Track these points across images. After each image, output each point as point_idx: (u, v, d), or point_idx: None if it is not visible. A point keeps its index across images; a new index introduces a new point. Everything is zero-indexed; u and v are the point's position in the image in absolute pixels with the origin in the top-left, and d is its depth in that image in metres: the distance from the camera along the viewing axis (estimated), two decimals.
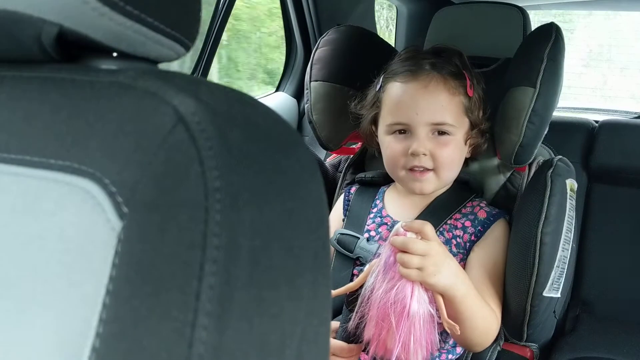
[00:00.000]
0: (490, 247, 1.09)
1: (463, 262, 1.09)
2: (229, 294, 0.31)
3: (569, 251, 1.05)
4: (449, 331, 0.94)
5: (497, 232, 1.11)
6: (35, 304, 0.35)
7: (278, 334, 0.34)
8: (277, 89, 1.82)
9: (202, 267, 0.30)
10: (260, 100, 0.41)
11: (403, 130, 1.09)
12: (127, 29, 0.40)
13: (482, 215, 1.12)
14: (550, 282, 1.02)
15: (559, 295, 1.05)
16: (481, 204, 1.15)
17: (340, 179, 1.39)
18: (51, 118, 0.38)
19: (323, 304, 0.39)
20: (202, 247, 0.31)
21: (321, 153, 1.52)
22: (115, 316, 0.31)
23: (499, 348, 1.13)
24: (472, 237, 1.10)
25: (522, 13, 1.41)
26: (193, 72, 1.50)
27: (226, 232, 0.31)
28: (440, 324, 0.93)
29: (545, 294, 1.02)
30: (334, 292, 1.01)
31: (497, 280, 1.08)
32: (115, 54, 0.44)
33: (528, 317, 1.04)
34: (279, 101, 1.76)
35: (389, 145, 1.11)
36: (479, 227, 1.10)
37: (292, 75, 1.76)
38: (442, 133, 1.08)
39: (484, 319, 0.99)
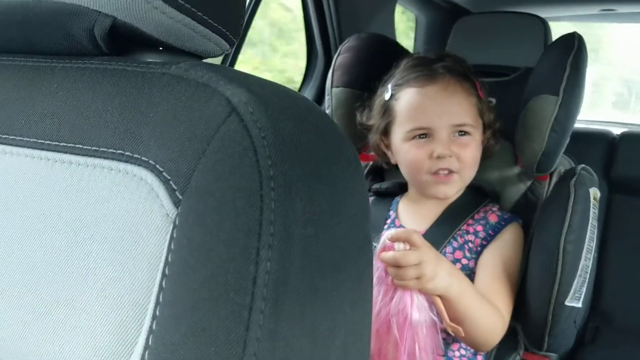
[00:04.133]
0: (500, 249, 1.09)
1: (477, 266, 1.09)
2: (284, 280, 0.32)
3: (591, 261, 1.05)
4: (452, 334, 0.93)
5: (508, 235, 1.11)
6: (87, 289, 0.36)
7: (327, 322, 0.34)
8: None
9: (258, 253, 0.31)
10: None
11: (423, 135, 1.09)
12: (178, 22, 0.40)
13: (493, 219, 1.13)
14: (572, 291, 1.01)
15: (580, 305, 1.05)
16: (493, 209, 1.15)
17: None
18: (103, 107, 0.39)
19: (366, 296, 0.40)
20: (258, 233, 0.31)
21: None
22: (173, 299, 0.32)
23: (518, 357, 1.13)
24: (483, 242, 1.10)
25: (543, 23, 1.41)
26: None
27: (280, 219, 0.32)
28: (442, 327, 0.93)
29: (567, 303, 1.01)
30: None
31: (507, 282, 1.07)
32: (161, 48, 0.45)
33: (549, 327, 1.03)
34: None
35: (410, 151, 1.10)
36: (490, 231, 1.11)
37: (312, 81, 1.77)
38: (462, 134, 1.09)
39: (486, 316, 0.97)
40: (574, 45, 1.15)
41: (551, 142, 1.11)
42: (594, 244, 1.05)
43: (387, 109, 1.15)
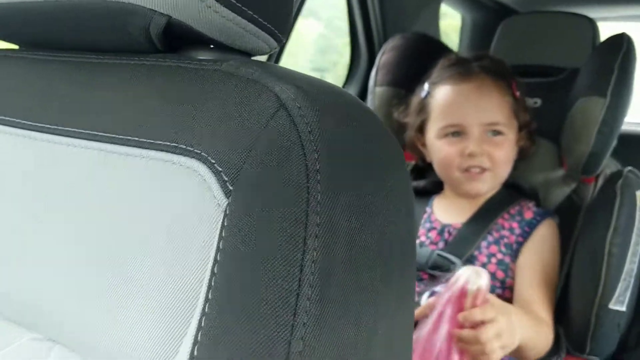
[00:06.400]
0: (538, 249, 1.10)
1: (513, 263, 1.09)
2: (329, 269, 0.33)
3: (636, 264, 1.03)
4: None
5: (543, 232, 1.11)
6: (143, 272, 0.38)
7: (372, 312, 0.35)
8: None
9: (305, 241, 0.32)
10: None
11: (456, 133, 1.10)
12: (229, 21, 0.42)
13: (528, 215, 1.13)
14: (616, 294, 1.00)
15: (624, 309, 1.04)
16: (529, 205, 1.16)
17: None
18: (159, 101, 0.41)
19: (409, 291, 0.41)
20: (304, 223, 0.33)
21: None
22: (225, 284, 0.33)
23: None
24: (519, 239, 1.11)
25: (591, 24, 1.39)
26: None
27: (326, 210, 0.33)
28: None
29: (610, 306, 1.00)
30: None
31: (548, 284, 1.08)
32: (212, 46, 0.47)
33: (592, 330, 1.02)
34: None
35: (442, 148, 1.13)
36: (525, 228, 1.11)
37: (355, 80, 1.78)
38: (495, 133, 1.10)
39: (540, 340, 0.99)
40: (622, 47, 1.14)
41: (598, 143, 1.10)
42: (639, 248, 1.04)
43: (422, 107, 1.17)
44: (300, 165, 0.34)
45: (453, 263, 1.08)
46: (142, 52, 0.46)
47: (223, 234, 0.34)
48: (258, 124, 0.36)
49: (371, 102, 1.37)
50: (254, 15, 0.43)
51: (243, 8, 0.42)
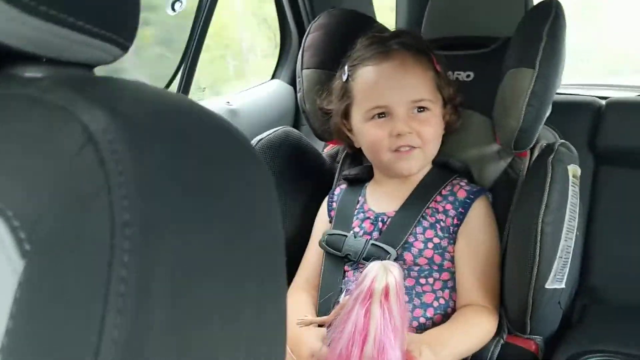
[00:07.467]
0: (474, 232, 1.08)
1: (451, 245, 1.08)
2: (138, 349, 0.26)
3: (573, 240, 1.00)
4: None
5: (478, 213, 1.09)
6: None
7: None
8: (273, 77, 1.76)
9: (103, 320, 0.26)
10: (205, 104, 0.37)
11: (382, 114, 1.07)
12: (44, 32, 0.35)
13: (461, 195, 1.11)
14: (552, 273, 0.97)
15: (563, 286, 1.01)
16: (461, 183, 1.14)
17: (338, 169, 1.35)
18: None
19: (270, 333, 0.35)
20: (104, 295, 0.26)
21: (319, 144, 1.47)
22: None
23: (502, 341, 1.09)
24: (455, 221, 1.08)
25: None
26: (176, 72, 1.43)
27: (135, 275, 0.27)
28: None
29: (547, 286, 0.97)
30: (311, 320, 1.01)
31: (488, 267, 1.07)
32: (44, 60, 0.40)
33: (530, 310, 0.99)
34: (274, 89, 1.70)
35: (369, 132, 1.10)
36: (460, 209, 1.09)
37: (287, 62, 1.70)
38: (421, 110, 1.08)
39: (477, 338, 1.01)
40: (550, 14, 1.10)
41: (528, 117, 1.06)
42: (575, 223, 1.00)
43: (345, 91, 1.14)
44: (105, 217, 0.27)
45: (388, 253, 1.04)
46: None
47: (13, 311, 0.28)
48: (61, 165, 0.29)
49: (299, 85, 1.30)
50: (78, 23, 0.36)
51: (60, 16, 0.35)
